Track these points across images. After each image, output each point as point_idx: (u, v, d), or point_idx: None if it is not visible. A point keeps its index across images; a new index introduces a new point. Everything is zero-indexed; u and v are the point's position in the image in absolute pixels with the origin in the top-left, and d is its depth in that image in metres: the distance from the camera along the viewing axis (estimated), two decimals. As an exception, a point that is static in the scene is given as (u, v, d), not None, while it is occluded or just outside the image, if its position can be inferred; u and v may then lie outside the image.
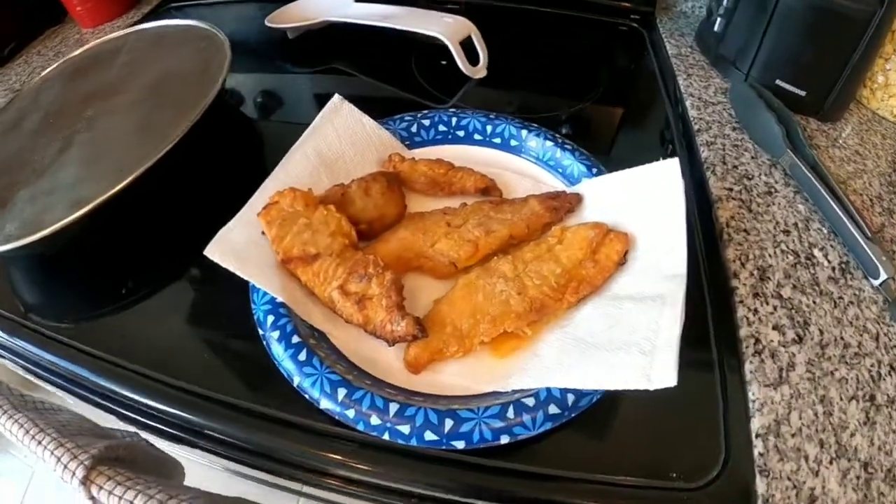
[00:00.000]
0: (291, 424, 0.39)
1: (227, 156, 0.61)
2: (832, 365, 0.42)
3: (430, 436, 0.34)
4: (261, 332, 0.40)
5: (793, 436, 0.38)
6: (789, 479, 0.36)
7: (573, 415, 0.36)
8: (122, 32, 0.69)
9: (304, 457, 0.38)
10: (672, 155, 0.53)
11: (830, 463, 0.37)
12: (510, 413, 0.35)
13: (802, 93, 0.61)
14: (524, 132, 0.52)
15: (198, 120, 0.52)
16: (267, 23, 0.72)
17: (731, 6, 0.63)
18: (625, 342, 0.36)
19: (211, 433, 0.41)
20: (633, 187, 0.45)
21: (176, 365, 0.43)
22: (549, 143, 0.51)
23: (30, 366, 0.49)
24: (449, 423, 0.34)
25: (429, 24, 0.63)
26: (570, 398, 0.36)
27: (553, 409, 0.35)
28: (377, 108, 0.53)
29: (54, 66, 0.68)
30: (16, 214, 0.51)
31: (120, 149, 0.54)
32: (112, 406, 0.45)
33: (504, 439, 0.34)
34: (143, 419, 0.44)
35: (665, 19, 0.78)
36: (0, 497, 1.20)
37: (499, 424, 0.34)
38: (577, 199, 0.47)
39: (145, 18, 0.84)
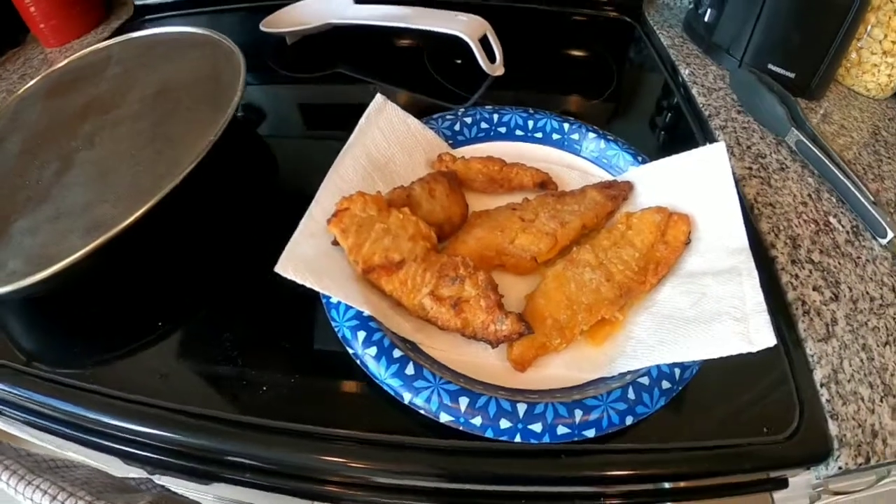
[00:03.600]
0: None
1: (233, 169, 0.56)
2: (864, 317, 0.46)
3: (562, 430, 0.34)
4: (350, 350, 0.38)
5: (848, 381, 0.42)
6: (853, 419, 0.40)
7: (680, 388, 0.37)
8: (104, 44, 0.63)
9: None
10: (693, 143, 0.56)
11: (881, 401, 0.41)
12: (631, 394, 0.35)
13: (792, 74, 0.65)
14: (566, 126, 0.53)
15: (225, 128, 0.47)
16: (262, 27, 0.68)
17: (721, -4, 0.67)
18: (715, 313, 0.38)
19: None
20: (682, 172, 0.47)
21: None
22: (591, 136, 0.52)
23: (34, 418, 0.43)
24: (579, 414, 0.34)
25: (447, 23, 0.63)
26: (677, 372, 0.37)
27: (665, 385, 0.36)
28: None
29: (30, 83, 0.61)
30: (16, 248, 0.45)
31: (134, 165, 0.49)
32: (128, 449, 0.41)
33: (629, 420, 0.35)
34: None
35: (652, 12, 0.81)
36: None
37: (623, 407, 0.35)
38: (630, 187, 0.48)
39: (116, 34, 0.77)
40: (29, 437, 0.52)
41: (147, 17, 0.81)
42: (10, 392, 0.42)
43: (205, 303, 0.46)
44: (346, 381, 0.39)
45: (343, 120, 0.47)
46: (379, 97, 0.50)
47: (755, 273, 0.40)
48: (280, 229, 0.41)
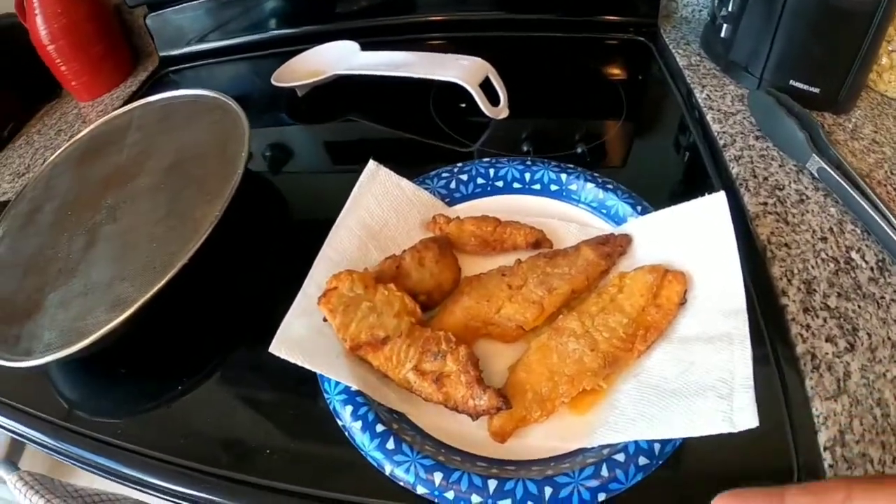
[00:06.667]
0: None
1: (256, 227, 0.62)
2: (883, 367, 0.45)
3: (531, 507, 0.37)
4: (339, 422, 0.42)
5: (857, 443, 0.41)
6: None
7: (660, 462, 0.39)
8: (125, 109, 0.70)
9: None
10: (705, 179, 0.56)
11: (893, 462, 0.40)
12: (604, 471, 0.38)
13: (816, 90, 0.64)
14: (564, 176, 0.55)
15: (227, 204, 0.53)
16: (274, 82, 0.73)
17: (737, 12, 0.66)
18: (701, 386, 0.39)
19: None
20: (682, 224, 0.48)
21: (239, 459, 0.45)
22: (590, 185, 0.54)
23: (73, 461, 0.50)
24: (548, 491, 0.37)
25: (446, 70, 0.65)
26: (657, 447, 0.39)
27: (642, 461, 0.38)
28: (402, 158, 0.55)
29: (61, 150, 0.70)
30: (51, 320, 0.52)
31: (149, 241, 0.55)
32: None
33: (601, 497, 0.37)
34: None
35: (668, 28, 0.81)
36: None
37: (595, 484, 0.37)
38: (628, 241, 0.49)
39: (143, 86, 0.86)
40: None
41: (171, 67, 0.89)
42: (50, 443, 0.50)
43: (219, 365, 0.52)
44: (339, 448, 0.43)
45: (355, 168, 0.52)
46: (371, 163, 0.53)
47: (748, 342, 0.40)
48: (294, 282, 0.47)
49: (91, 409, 0.52)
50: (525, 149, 0.66)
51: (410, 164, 0.57)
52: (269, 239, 0.62)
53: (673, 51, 0.76)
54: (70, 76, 0.84)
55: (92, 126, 0.71)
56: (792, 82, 0.64)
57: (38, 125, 0.85)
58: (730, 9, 0.66)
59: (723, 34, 0.69)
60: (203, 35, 0.88)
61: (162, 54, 0.89)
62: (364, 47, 0.75)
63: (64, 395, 0.53)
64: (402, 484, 0.39)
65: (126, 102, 0.83)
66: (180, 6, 0.84)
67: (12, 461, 0.71)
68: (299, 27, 0.86)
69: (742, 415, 0.37)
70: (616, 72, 0.77)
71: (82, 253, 0.57)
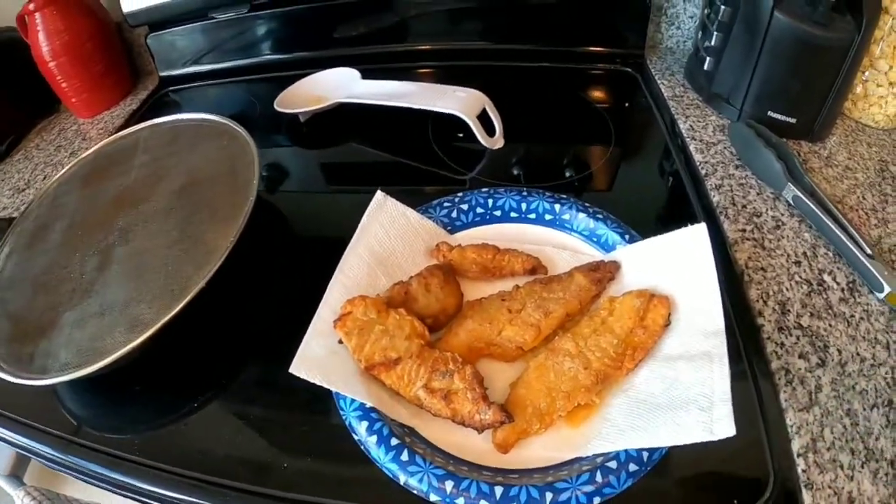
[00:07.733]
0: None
1: (262, 248, 0.66)
2: (852, 380, 0.51)
3: (534, 511, 0.42)
4: (355, 437, 0.47)
5: (828, 449, 0.47)
6: (830, 487, 0.45)
7: (649, 468, 0.45)
8: (131, 130, 0.74)
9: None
10: (687, 207, 0.62)
11: (862, 467, 0.46)
12: (598, 477, 0.44)
13: (793, 120, 0.71)
14: (557, 206, 0.61)
15: (241, 231, 0.57)
16: (277, 108, 0.79)
17: (719, 45, 0.73)
18: (684, 400, 0.45)
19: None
20: (666, 252, 0.54)
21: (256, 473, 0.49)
22: (581, 215, 0.60)
23: (83, 477, 0.54)
24: (549, 496, 0.43)
25: (444, 102, 0.71)
26: (645, 455, 0.45)
27: (633, 467, 0.44)
28: (402, 184, 0.60)
29: (66, 168, 0.73)
30: (67, 340, 0.55)
31: (164, 264, 0.58)
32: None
33: (596, 500, 0.43)
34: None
35: (654, 59, 0.88)
36: None
37: (590, 489, 0.43)
38: (617, 268, 0.56)
39: (143, 105, 0.90)
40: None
41: (171, 87, 0.93)
42: (63, 459, 0.53)
43: (232, 383, 0.56)
44: (354, 461, 0.48)
45: (357, 192, 0.56)
46: (379, 194, 0.59)
47: (726, 360, 0.47)
48: (301, 300, 0.52)
49: (106, 425, 0.55)
50: (516, 172, 0.72)
51: (410, 189, 0.62)
52: (274, 259, 0.67)
53: (658, 81, 0.83)
54: (70, 93, 0.88)
55: (98, 146, 0.74)
56: (770, 113, 0.71)
57: (36, 140, 0.88)
58: (712, 42, 0.73)
59: (706, 67, 0.75)
60: (204, 56, 0.92)
61: (162, 74, 0.93)
62: (362, 74, 0.81)
63: (79, 412, 0.56)
64: (415, 493, 0.44)
65: (126, 120, 0.87)
66: (182, 27, 0.89)
67: (17, 476, 0.74)
68: (299, 52, 0.91)
69: (721, 424, 0.43)
70: (604, 101, 0.83)
71: (96, 273, 0.60)
